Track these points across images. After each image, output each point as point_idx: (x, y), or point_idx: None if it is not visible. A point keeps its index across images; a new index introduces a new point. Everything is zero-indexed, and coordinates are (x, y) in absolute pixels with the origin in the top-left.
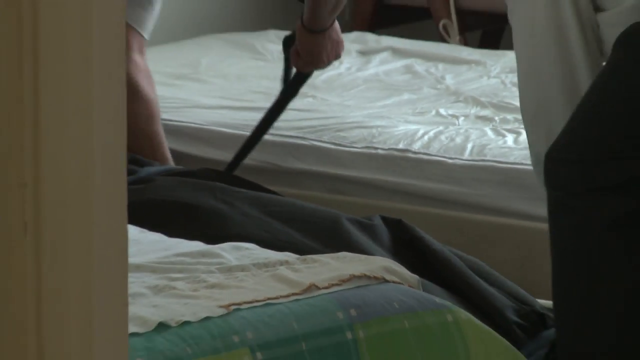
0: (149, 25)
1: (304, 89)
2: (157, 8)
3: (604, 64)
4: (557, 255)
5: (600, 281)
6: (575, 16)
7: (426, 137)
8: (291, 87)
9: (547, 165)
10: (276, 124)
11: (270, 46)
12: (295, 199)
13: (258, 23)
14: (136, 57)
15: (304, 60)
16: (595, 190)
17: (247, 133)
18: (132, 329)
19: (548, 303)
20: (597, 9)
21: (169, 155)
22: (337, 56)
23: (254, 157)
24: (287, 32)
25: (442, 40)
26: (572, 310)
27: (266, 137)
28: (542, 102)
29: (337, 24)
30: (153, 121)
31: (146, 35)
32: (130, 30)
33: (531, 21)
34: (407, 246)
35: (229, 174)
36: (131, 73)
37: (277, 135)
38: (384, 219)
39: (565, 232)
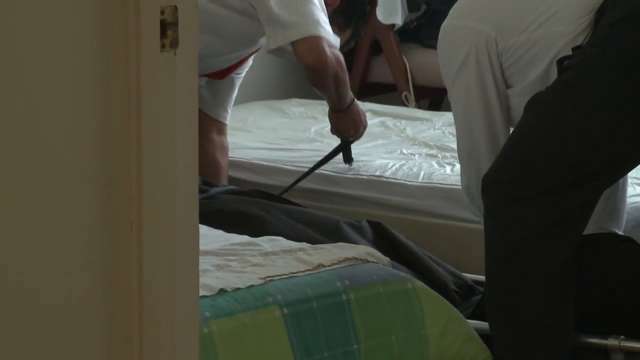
0: (226, 115)
1: (315, 136)
2: (233, 98)
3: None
4: (489, 247)
5: (520, 266)
6: (496, 92)
7: (394, 168)
8: (332, 151)
9: (483, 184)
10: (298, 159)
11: (293, 109)
12: (311, 208)
13: (285, 93)
14: (214, 136)
15: (332, 129)
16: (516, 201)
17: (279, 165)
18: (201, 293)
19: (474, 277)
20: (507, 86)
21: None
22: (356, 130)
23: (287, 182)
24: (305, 100)
25: (404, 105)
26: (501, 284)
27: (291, 168)
28: (472, 148)
29: (359, 109)
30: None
31: (224, 121)
32: (212, 119)
33: (466, 95)
34: (384, 239)
35: (268, 193)
36: (206, 149)
37: (299, 166)
38: (368, 222)
39: (495, 231)
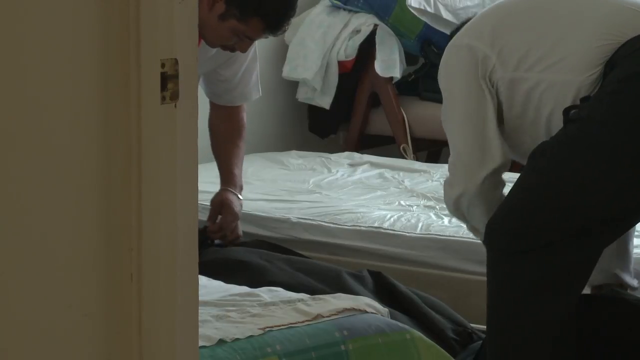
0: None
1: (314, 188)
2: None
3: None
4: (491, 299)
5: (519, 319)
6: (492, 104)
7: (392, 219)
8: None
9: (487, 232)
10: (298, 211)
11: (292, 160)
12: (311, 259)
13: (284, 146)
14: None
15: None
16: (518, 253)
17: (278, 216)
18: (201, 343)
19: (472, 326)
20: (504, 117)
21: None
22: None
23: (285, 233)
24: (304, 152)
25: (402, 157)
26: (501, 333)
27: (292, 220)
28: (464, 154)
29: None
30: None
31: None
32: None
33: (464, 101)
34: (384, 289)
35: (271, 243)
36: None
37: (298, 218)
38: (369, 271)
39: (497, 283)
